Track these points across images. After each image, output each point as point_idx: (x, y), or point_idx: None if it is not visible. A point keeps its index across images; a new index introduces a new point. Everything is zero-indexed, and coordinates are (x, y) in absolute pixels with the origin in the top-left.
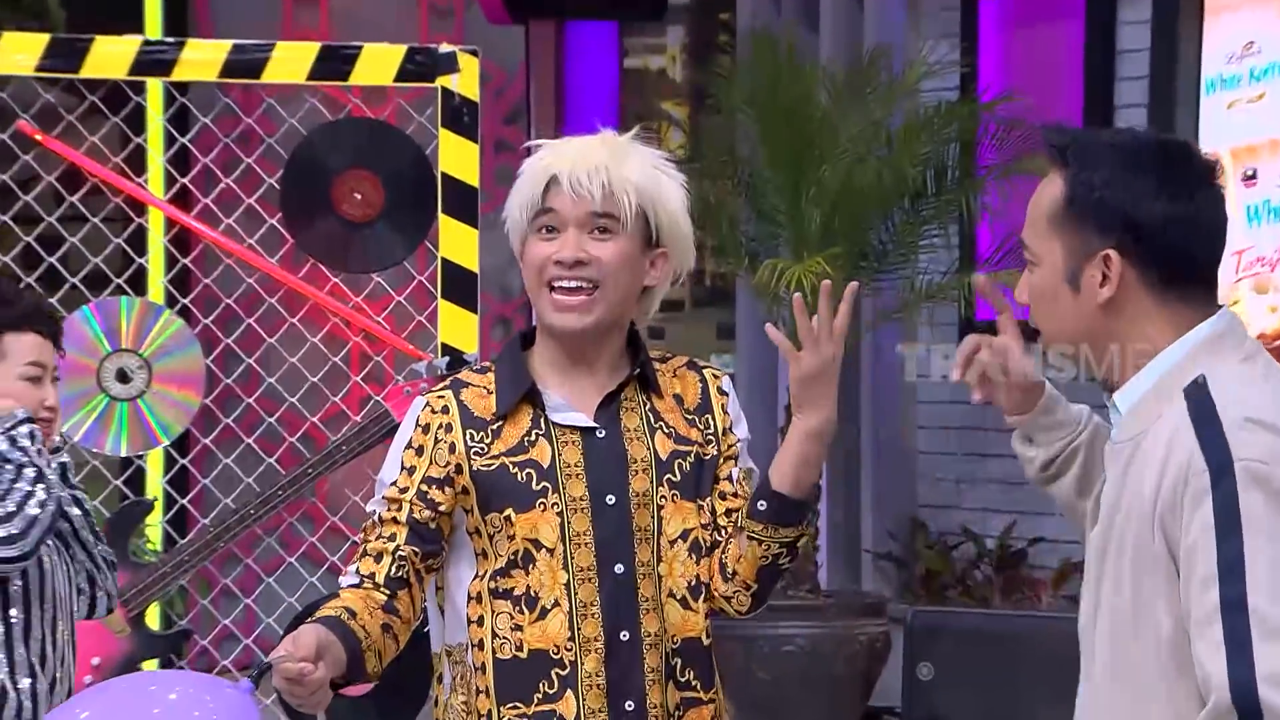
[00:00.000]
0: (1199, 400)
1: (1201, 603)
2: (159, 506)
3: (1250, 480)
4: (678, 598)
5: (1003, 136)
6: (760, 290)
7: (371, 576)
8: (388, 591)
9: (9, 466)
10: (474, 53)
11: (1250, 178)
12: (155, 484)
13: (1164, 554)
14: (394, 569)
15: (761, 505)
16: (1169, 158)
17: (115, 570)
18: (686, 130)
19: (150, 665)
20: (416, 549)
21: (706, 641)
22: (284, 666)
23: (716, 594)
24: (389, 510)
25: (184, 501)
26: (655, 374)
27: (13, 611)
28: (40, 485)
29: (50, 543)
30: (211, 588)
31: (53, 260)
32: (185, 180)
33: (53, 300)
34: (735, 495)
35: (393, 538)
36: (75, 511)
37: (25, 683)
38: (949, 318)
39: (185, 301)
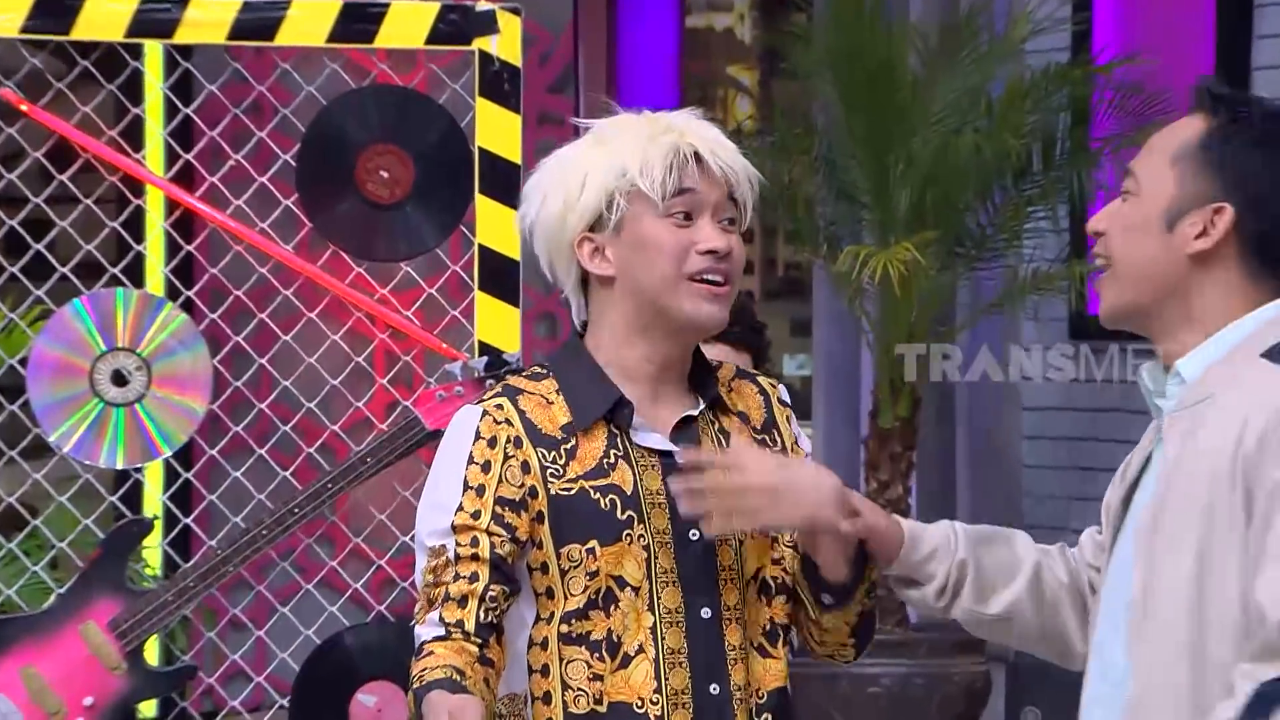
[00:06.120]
0: None
1: None
2: (159, 526)
3: None
4: (755, 645)
5: (1121, 104)
6: (840, 281)
7: (460, 625)
8: (479, 640)
9: None
10: (516, 11)
11: None
12: (155, 500)
13: (1240, 505)
14: (483, 614)
15: (828, 599)
16: None
17: None
18: (756, 99)
19: (149, 706)
20: (505, 588)
21: (790, 690)
22: None
23: (818, 650)
24: (463, 544)
25: (187, 520)
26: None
27: None
28: None
29: None
30: (218, 618)
31: (40, 247)
32: (189, 156)
33: (40, 293)
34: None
35: (475, 577)
36: None
37: None
38: (1058, 312)
39: (189, 294)
